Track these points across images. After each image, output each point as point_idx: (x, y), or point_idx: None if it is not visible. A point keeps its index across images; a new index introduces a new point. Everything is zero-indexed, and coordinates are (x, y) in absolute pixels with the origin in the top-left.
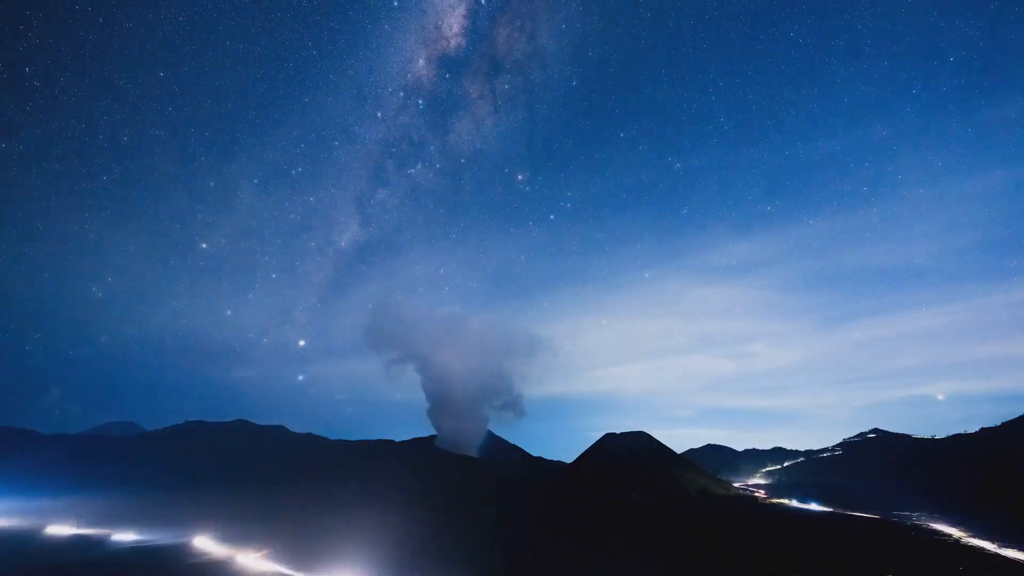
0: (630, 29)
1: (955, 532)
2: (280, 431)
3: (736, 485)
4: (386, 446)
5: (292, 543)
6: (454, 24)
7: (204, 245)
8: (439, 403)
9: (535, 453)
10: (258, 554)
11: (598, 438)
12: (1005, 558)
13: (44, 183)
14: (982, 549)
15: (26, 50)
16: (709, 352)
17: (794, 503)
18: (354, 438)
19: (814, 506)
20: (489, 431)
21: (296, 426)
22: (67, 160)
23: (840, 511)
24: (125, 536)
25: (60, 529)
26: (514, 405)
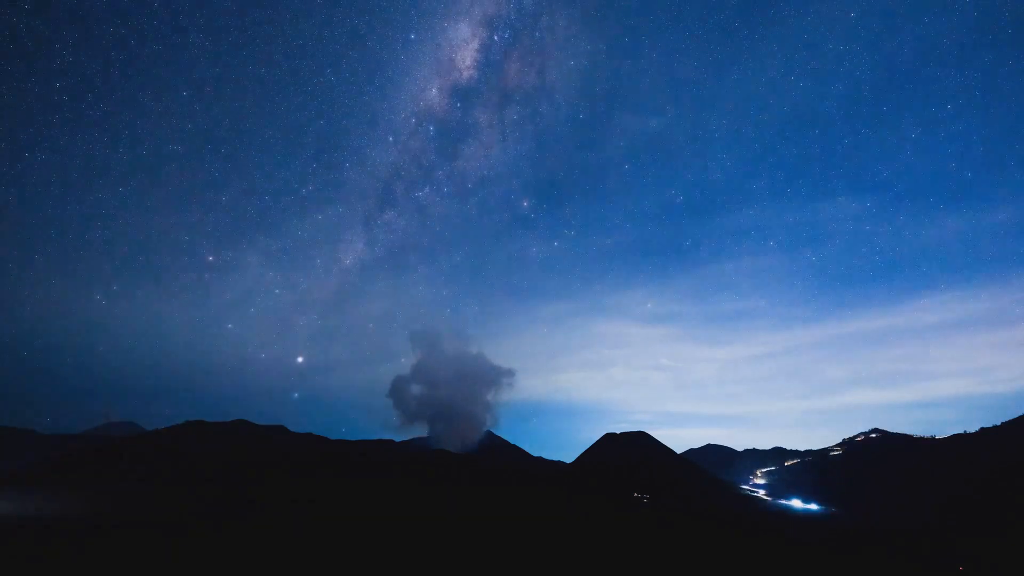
0: (637, 66)
1: (955, 531)
2: (280, 431)
3: (736, 485)
4: (386, 446)
5: (293, 542)
6: (467, 57)
7: (211, 258)
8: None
9: (535, 453)
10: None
11: (598, 438)
12: (1005, 558)
13: (61, 191)
14: (982, 548)
15: (59, 66)
16: (632, 364)
17: (794, 503)
18: (354, 438)
19: (814, 506)
20: (489, 431)
21: (296, 426)
22: (86, 171)
23: (840, 511)
24: (124, 535)
25: (59, 529)
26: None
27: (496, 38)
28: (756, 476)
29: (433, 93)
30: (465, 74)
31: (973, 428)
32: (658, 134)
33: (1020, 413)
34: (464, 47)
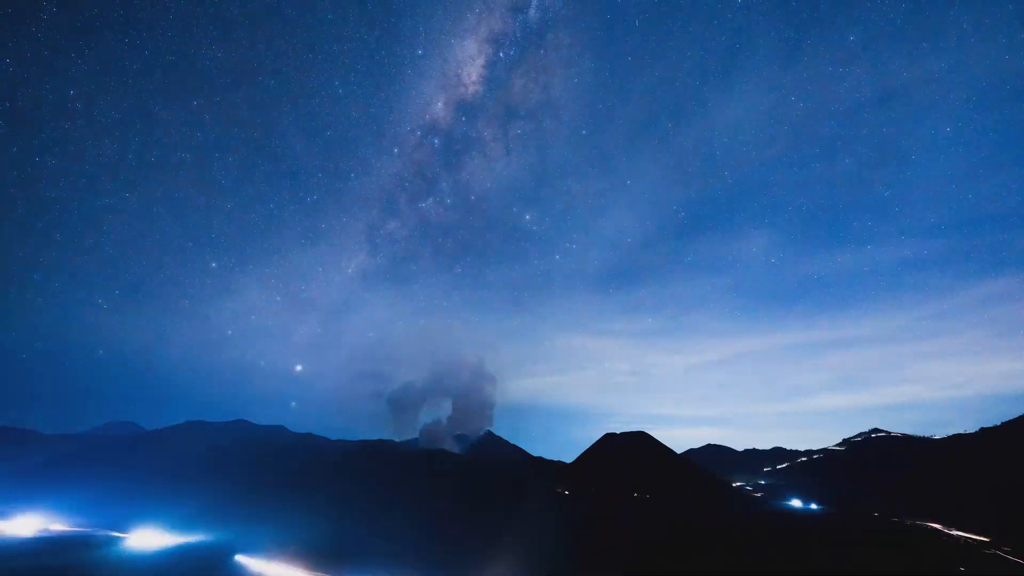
0: (639, 84)
1: (955, 532)
2: (280, 431)
3: (736, 485)
4: (386, 446)
5: (293, 542)
6: (473, 73)
7: (214, 264)
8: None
9: (535, 453)
10: (259, 556)
11: (598, 438)
12: (1005, 558)
13: (70, 196)
14: (982, 548)
15: (74, 75)
16: (601, 368)
17: (794, 503)
18: (354, 438)
19: (814, 506)
20: (489, 431)
21: (296, 426)
22: (95, 176)
23: (840, 511)
24: (124, 536)
25: (61, 530)
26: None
27: (501, 55)
28: (756, 476)
29: (439, 107)
30: (471, 89)
31: (969, 430)
32: (632, 168)
33: (1020, 413)
34: (470, 63)
